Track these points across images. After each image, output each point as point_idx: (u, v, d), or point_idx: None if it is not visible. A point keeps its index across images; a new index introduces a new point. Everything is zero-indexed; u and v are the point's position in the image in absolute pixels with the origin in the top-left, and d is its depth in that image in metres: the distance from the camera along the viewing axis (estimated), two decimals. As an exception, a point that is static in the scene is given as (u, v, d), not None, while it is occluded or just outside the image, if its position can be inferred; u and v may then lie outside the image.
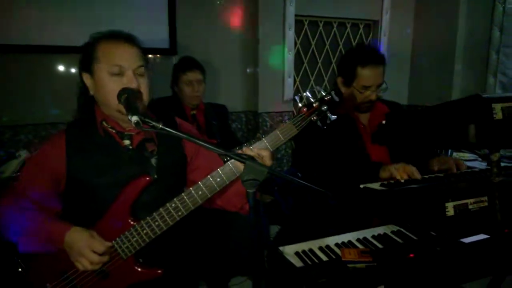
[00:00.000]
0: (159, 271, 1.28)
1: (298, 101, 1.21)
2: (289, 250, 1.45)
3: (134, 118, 1.05)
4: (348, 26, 3.92)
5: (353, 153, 1.86)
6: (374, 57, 1.80)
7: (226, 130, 2.75)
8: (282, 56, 3.48)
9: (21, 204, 1.26)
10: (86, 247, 1.17)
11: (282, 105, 3.57)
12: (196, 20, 3.28)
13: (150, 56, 3.15)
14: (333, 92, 1.20)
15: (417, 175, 1.55)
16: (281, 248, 1.47)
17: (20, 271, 1.32)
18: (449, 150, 3.31)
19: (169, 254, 1.39)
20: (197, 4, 3.29)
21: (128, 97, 1.19)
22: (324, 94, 1.20)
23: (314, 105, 1.19)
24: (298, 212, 2.06)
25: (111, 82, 1.25)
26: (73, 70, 2.88)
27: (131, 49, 1.28)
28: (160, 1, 3.09)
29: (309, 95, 1.20)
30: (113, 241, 1.23)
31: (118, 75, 1.25)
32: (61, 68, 2.89)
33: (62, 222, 1.24)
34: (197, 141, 1.06)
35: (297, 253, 1.43)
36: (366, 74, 1.77)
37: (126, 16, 2.96)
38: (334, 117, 1.21)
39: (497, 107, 1.07)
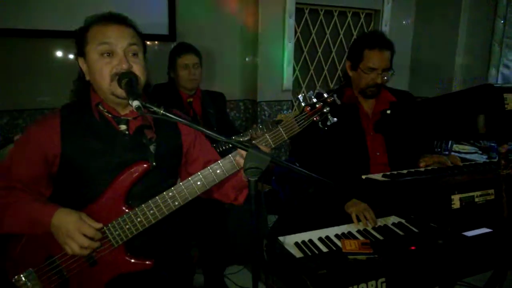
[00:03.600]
0: (148, 263, 1.25)
1: (301, 100, 1.21)
2: (289, 241, 1.43)
3: (136, 103, 1.03)
4: (349, 15, 3.86)
5: (351, 144, 1.86)
6: (382, 41, 1.86)
7: (224, 118, 2.70)
8: (282, 44, 3.42)
9: (6, 183, 1.22)
10: (75, 230, 1.13)
11: (281, 94, 3.53)
12: (196, 7, 3.22)
13: (148, 43, 3.10)
14: (335, 95, 1.21)
15: (372, 222, 1.56)
16: (281, 238, 1.45)
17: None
18: (449, 142, 3.30)
19: (160, 245, 1.35)
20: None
21: (129, 82, 1.15)
22: (326, 96, 1.21)
23: (317, 105, 1.20)
24: (295, 201, 2.04)
25: (101, 63, 1.20)
26: (71, 55, 2.83)
27: (121, 28, 1.23)
28: None
29: (313, 95, 1.22)
30: (105, 227, 1.19)
31: (108, 56, 1.20)
32: (59, 53, 2.83)
33: (49, 203, 1.20)
34: (199, 128, 1.04)
35: (297, 244, 1.41)
36: (372, 56, 1.82)
37: (125, 3, 2.89)
38: (335, 119, 1.22)
39: (509, 97, 1.04)
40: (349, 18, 3.87)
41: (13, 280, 1.21)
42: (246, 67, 3.51)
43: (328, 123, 1.22)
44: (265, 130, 2.25)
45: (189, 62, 2.47)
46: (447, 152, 3.31)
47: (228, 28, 3.38)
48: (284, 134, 1.21)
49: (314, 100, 1.20)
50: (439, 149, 3.36)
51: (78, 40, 1.26)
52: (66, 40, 2.74)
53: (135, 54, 1.25)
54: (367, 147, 1.86)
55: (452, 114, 1.17)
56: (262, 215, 2.56)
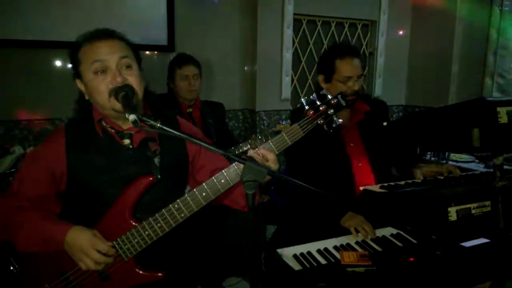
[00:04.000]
0: (160, 274, 1.25)
1: (304, 103, 1.18)
2: (287, 253, 1.43)
3: (132, 117, 1.04)
4: (346, 25, 3.90)
5: (333, 157, 1.88)
6: (351, 50, 1.91)
7: (223, 128, 2.72)
8: (280, 54, 3.45)
9: (17, 203, 1.23)
10: (89, 246, 1.15)
11: (280, 104, 3.54)
12: (195, 17, 3.25)
13: (147, 52, 3.13)
14: (339, 96, 1.18)
15: (372, 235, 1.56)
16: (279, 250, 1.44)
17: (13, 270, 1.29)
18: (446, 152, 3.31)
19: (169, 256, 1.36)
20: (196, 2, 3.25)
21: (125, 95, 1.16)
22: (330, 97, 1.18)
23: (321, 108, 1.17)
24: (294, 212, 2.04)
25: (96, 81, 1.21)
26: (68, 66, 2.83)
27: (110, 42, 1.23)
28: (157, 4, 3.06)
29: (316, 98, 1.18)
30: (114, 242, 1.20)
31: (102, 72, 1.21)
32: (56, 63, 2.83)
33: (62, 221, 1.22)
34: (197, 141, 1.05)
35: (295, 256, 1.41)
36: (345, 65, 1.85)
37: (124, 14, 2.92)
38: (340, 121, 1.19)
39: (502, 110, 1.05)
40: (346, 29, 3.91)
41: None
42: (245, 77, 3.53)
43: (334, 125, 1.18)
44: (264, 140, 2.26)
45: (189, 73, 2.50)
46: (444, 161, 3.32)
47: (227, 38, 3.41)
48: (287, 140, 1.18)
49: (318, 102, 1.17)
50: (436, 158, 3.38)
51: (72, 61, 1.27)
52: (62, 50, 2.73)
53: (128, 67, 1.25)
54: (349, 158, 1.88)
55: (447, 127, 1.19)
56: (261, 227, 2.55)
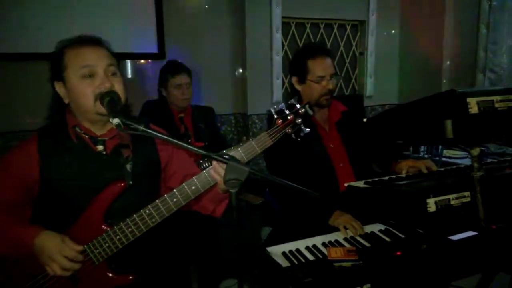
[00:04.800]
0: (131, 277, 1.27)
1: (273, 113, 1.20)
2: (276, 251, 1.44)
3: (115, 121, 1.08)
4: (335, 27, 3.94)
5: (315, 158, 1.88)
6: (321, 49, 1.93)
7: (214, 132, 2.75)
8: (270, 58, 3.49)
9: None
10: (57, 252, 1.16)
11: (271, 107, 3.56)
12: (184, 23, 3.29)
13: (142, 61, 3.17)
14: (307, 105, 1.20)
15: (361, 231, 1.57)
16: (268, 248, 1.46)
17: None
18: (439, 147, 3.33)
19: (141, 260, 1.38)
20: (184, 9, 3.30)
21: (111, 100, 1.20)
22: (298, 107, 1.20)
23: (289, 117, 1.19)
24: (287, 213, 2.06)
25: (83, 85, 1.24)
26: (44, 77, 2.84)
27: (98, 50, 1.28)
28: (147, 7, 3.10)
29: (284, 107, 1.20)
30: (85, 246, 1.22)
31: (90, 77, 1.24)
32: (32, 75, 2.78)
33: (32, 225, 1.23)
34: (178, 142, 1.08)
35: (284, 253, 1.42)
36: (317, 65, 1.87)
37: (114, 23, 2.97)
38: (307, 130, 1.21)
39: (472, 101, 1.08)
40: (335, 30, 3.95)
41: None
42: (236, 81, 3.57)
43: (302, 134, 1.21)
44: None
45: (182, 82, 2.54)
46: (437, 158, 3.34)
47: (216, 43, 3.44)
48: (256, 148, 1.21)
49: (286, 111, 1.19)
50: (430, 154, 3.40)
51: (54, 65, 1.29)
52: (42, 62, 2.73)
53: (114, 74, 1.29)
54: (330, 159, 1.90)
55: (422, 120, 1.21)
56: (254, 227, 2.57)
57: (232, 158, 1.09)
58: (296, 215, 1.89)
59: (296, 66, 1.94)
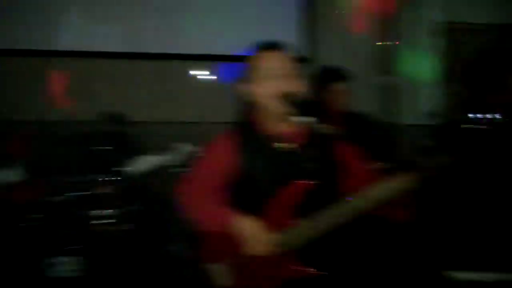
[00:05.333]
0: (313, 270, 1.31)
1: None
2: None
3: (301, 119, 1.20)
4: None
5: None
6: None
7: (371, 139, 2.66)
8: (427, 64, 3.29)
9: (201, 191, 1.43)
10: (260, 233, 1.29)
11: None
12: (331, 29, 3.36)
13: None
14: None
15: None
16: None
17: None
18: None
19: (326, 257, 1.38)
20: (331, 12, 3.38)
21: (295, 100, 1.30)
22: None
23: None
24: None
25: (271, 86, 1.36)
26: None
27: (282, 54, 1.41)
28: (291, 15, 3.38)
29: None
30: (275, 234, 1.30)
31: (275, 79, 1.36)
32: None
33: (231, 208, 1.37)
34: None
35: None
36: None
37: (261, 31, 3.20)
38: None
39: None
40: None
41: (207, 268, 1.40)
42: (383, 89, 3.48)
43: None
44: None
45: (341, 89, 2.60)
46: None
47: (360, 47, 3.43)
48: None
49: None
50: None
51: (248, 67, 1.44)
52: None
53: (294, 76, 1.39)
54: None
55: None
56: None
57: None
58: None
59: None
